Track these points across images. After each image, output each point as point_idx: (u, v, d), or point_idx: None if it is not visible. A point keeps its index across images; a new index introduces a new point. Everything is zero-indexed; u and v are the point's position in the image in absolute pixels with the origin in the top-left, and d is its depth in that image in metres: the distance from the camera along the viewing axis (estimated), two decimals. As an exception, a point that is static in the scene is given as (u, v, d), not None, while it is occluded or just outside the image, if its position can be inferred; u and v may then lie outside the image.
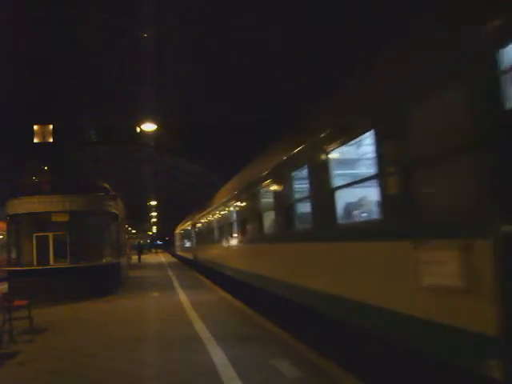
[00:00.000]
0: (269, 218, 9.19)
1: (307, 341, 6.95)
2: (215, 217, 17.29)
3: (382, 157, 4.44)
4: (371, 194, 5.11)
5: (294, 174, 7.33)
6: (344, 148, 5.50)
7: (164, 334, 8.22)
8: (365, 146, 5.39)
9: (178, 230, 46.18)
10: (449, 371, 3.78)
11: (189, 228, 31.16)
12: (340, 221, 5.71)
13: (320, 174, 5.99)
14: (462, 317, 3.35)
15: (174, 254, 55.14)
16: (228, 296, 13.14)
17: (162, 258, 52.87)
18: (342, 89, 6.12)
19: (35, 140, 14.90)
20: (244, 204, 11.64)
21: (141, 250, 45.74)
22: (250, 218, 10.87)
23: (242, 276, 11.96)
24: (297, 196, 7.42)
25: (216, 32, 12.17)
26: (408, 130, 3.99)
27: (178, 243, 48.40)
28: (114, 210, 16.83)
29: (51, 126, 15.21)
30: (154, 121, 15.56)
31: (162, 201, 46.36)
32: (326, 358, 6.01)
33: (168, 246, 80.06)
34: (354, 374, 5.31)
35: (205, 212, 20.79)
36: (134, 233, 63.92)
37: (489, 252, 3.02)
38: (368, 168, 5.34)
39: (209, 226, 19.77)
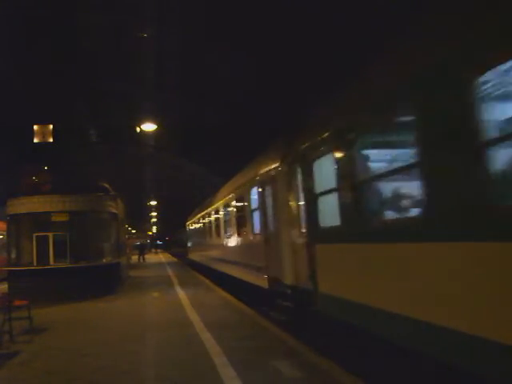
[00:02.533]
0: None
1: (307, 341, 6.94)
2: None
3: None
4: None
5: None
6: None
7: (163, 333, 8.22)
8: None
9: (193, 220, 27.64)
10: (449, 371, 3.78)
11: (236, 204, 13.39)
12: None
13: None
14: None
15: (178, 256, 47.72)
16: (228, 296, 13.13)
17: (162, 258, 52.78)
18: None
19: (35, 140, 14.89)
20: None
21: (143, 249, 43.87)
22: None
23: None
24: None
25: (216, 32, 12.17)
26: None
27: (193, 242, 29.68)
28: (113, 210, 16.83)
29: (51, 126, 15.21)
30: (154, 121, 15.56)
31: (161, 201, 46.34)
32: (326, 358, 6.01)
33: (168, 246, 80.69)
34: (353, 374, 5.31)
35: None
36: (134, 233, 63.92)
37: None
38: None
39: None
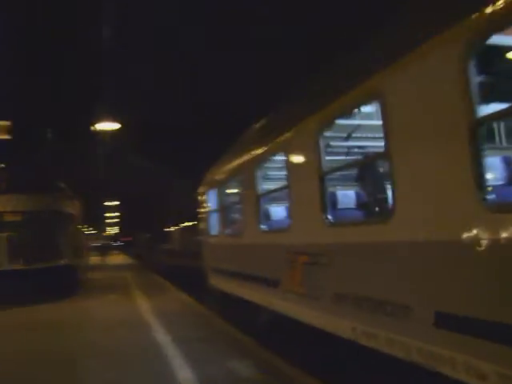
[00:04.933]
0: None
1: (266, 343, 6.94)
2: None
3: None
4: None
5: None
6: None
7: (119, 339, 8.04)
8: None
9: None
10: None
11: None
12: None
13: None
14: None
15: (138, 258, 46.71)
16: (190, 300, 13.01)
17: (121, 260, 51.96)
18: None
19: (-9, 137, 14.43)
20: None
21: (104, 250, 45.15)
22: None
23: None
24: None
25: (174, 28, 12.11)
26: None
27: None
28: (70, 210, 16.43)
29: (8, 123, 14.79)
30: (114, 119, 15.31)
31: (123, 201, 45.54)
32: (284, 359, 6.01)
33: (128, 247, 78.31)
34: (312, 375, 5.33)
35: None
36: (93, 233, 62.54)
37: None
38: None
39: None
